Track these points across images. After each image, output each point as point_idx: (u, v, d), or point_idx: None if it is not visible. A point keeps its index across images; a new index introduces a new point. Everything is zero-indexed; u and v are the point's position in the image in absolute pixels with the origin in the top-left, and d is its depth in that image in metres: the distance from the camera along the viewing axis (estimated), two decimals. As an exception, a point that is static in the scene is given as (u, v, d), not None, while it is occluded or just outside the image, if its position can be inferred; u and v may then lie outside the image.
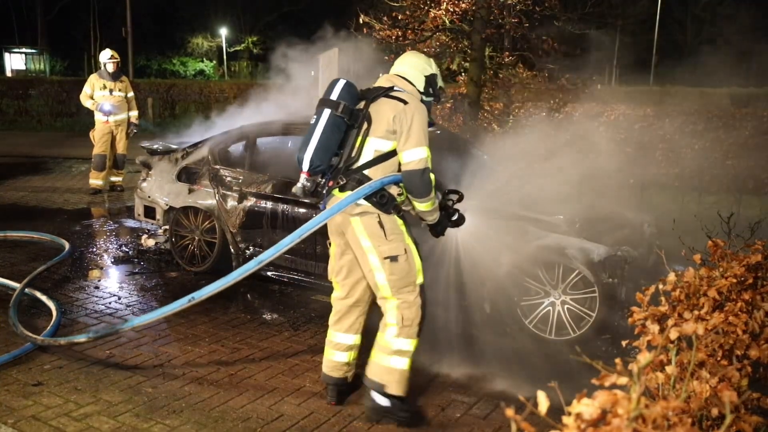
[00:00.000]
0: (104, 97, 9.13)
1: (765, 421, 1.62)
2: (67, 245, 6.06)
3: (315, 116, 3.24)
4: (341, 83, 3.26)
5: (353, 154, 3.22)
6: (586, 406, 1.12)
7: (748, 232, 2.79)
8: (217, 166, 5.62)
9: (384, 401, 3.21)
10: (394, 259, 3.14)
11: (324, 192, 3.30)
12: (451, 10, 9.50)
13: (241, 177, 5.44)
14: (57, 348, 3.92)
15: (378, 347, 3.25)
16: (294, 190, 3.26)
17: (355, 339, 3.43)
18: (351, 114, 3.21)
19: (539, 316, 4.34)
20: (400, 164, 3.19)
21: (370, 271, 3.20)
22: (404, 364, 3.20)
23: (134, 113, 9.48)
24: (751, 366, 1.97)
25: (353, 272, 3.35)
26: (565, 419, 1.14)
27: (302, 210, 5.04)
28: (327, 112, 3.20)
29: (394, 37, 9.76)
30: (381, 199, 3.16)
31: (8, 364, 3.71)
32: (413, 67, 3.38)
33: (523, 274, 4.32)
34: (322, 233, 4.89)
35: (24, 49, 40.58)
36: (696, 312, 2.03)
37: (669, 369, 1.77)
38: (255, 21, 45.51)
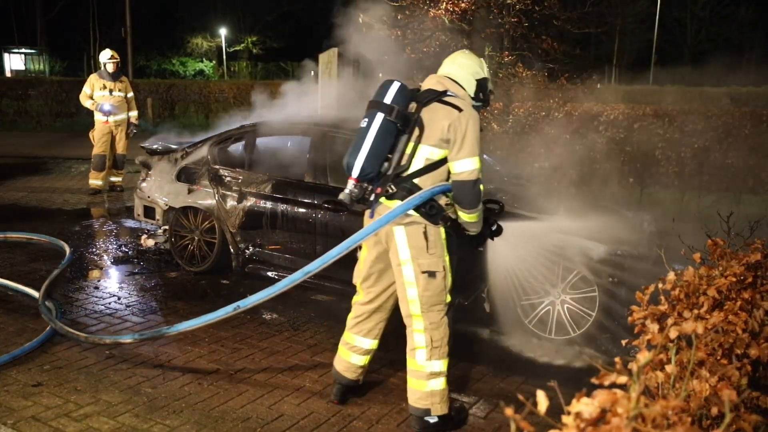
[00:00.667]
0: (104, 98, 9.13)
1: (765, 420, 1.61)
2: (67, 248, 6.04)
3: (366, 119, 3.08)
4: (396, 85, 3.09)
5: (403, 162, 3.09)
6: (586, 406, 1.12)
7: (747, 230, 2.78)
8: (217, 166, 5.62)
9: (432, 419, 3.16)
10: (432, 274, 3.06)
11: (371, 199, 3.16)
12: (451, 9, 9.48)
13: (240, 177, 5.44)
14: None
15: (412, 374, 3.18)
16: (341, 196, 3.12)
17: (373, 344, 3.39)
18: (404, 119, 3.06)
19: (539, 316, 4.35)
20: (449, 173, 3.09)
21: (402, 285, 3.13)
22: (441, 383, 3.16)
23: (134, 113, 9.48)
24: (750, 365, 1.96)
25: (382, 281, 3.28)
26: (565, 419, 1.14)
27: (302, 210, 5.04)
28: (380, 116, 3.04)
29: (393, 37, 9.74)
30: (430, 210, 3.06)
31: (8, 364, 3.71)
32: (465, 69, 3.22)
33: (522, 273, 4.31)
34: (324, 234, 4.92)
35: (23, 50, 40.56)
36: (696, 311, 2.03)
37: (669, 368, 1.77)
38: (255, 21, 45.53)
